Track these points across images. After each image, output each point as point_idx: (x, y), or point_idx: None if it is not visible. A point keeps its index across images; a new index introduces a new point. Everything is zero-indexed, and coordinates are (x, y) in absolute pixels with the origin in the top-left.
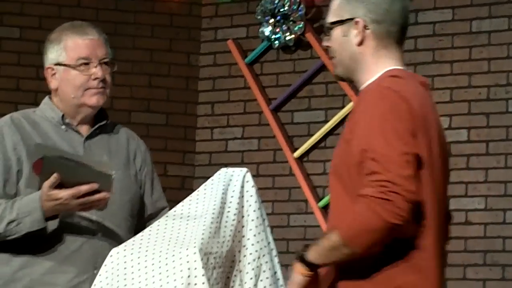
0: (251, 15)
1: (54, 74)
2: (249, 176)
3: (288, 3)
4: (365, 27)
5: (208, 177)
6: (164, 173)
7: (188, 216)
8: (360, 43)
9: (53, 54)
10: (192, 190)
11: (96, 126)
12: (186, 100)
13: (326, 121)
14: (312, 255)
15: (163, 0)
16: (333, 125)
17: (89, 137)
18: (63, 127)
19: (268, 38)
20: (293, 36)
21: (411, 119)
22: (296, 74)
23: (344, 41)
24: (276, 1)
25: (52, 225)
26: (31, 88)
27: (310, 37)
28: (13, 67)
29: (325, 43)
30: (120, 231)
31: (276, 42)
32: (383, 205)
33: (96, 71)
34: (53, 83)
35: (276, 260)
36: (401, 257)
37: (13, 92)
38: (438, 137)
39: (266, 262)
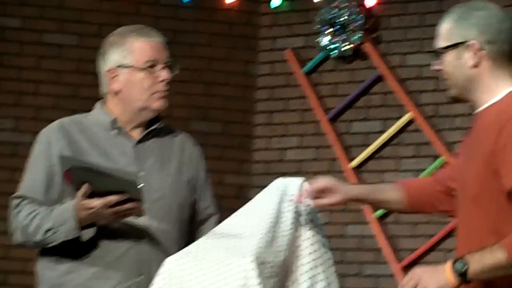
0: (309, 24)
1: (115, 76)
2: (306, 186)
3: (346, 13)
4: (479, 49)
5: (265, 186)
6: (220, 182)
7: (245, 225)
8: (476, 66)
9: (116, 56)
10: (248, 199)
11: (147, 130)
12: (244, 109)
13: (383, 131)
14: (475, 270)
15: (222, 9)
16: (390, 136)
17: (141, 141)
18: (114, 131)
19: (326, 48)
20: (351, 46)
21: None
22: (353, 84)
23: (458, 65)
24: (335, 11)
25: (88, 234)
26: (90, 95)
27: (368, 47)
28: (72, 74)
29: (436, 67)
30: (169, 236)
31: (334, 51)
32: None
33: (164, 73)
34: (115, 85)
35: (332, 269)
36: None
37: (71, 100)
38: None
39: (323, 271)
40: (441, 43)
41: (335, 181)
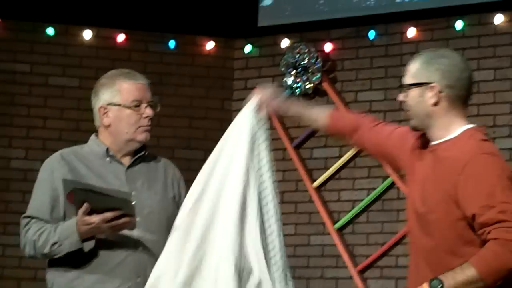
0: (276, 67)
1: (106, 112)
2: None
3: (307, 57)
4: (439, 91)
5: None
6: None
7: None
8: (435, 104)
9: (107, 95)
10: None
11: (136, 157)
12: None
13: (340, 156)
14: (449, 286)
15: (201, 54)
16: (347, 160)
17: (130, 166)
18: (108, 159)
19: (291, 87)
20: (311, 85)
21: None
22: None
23: (420, 101)
24: (297, 56)
25: (89, 245)
26: (89, 129)
27: (326, 86)
28: (74, 111)
29: (400, 98)
30: (159, 244)
31: (297, 90)
32: None
33: (147, 111)
34: (105, 120)
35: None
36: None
37: (74, 132)
38: None
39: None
40: (408, 80)
41: (276, 98)
